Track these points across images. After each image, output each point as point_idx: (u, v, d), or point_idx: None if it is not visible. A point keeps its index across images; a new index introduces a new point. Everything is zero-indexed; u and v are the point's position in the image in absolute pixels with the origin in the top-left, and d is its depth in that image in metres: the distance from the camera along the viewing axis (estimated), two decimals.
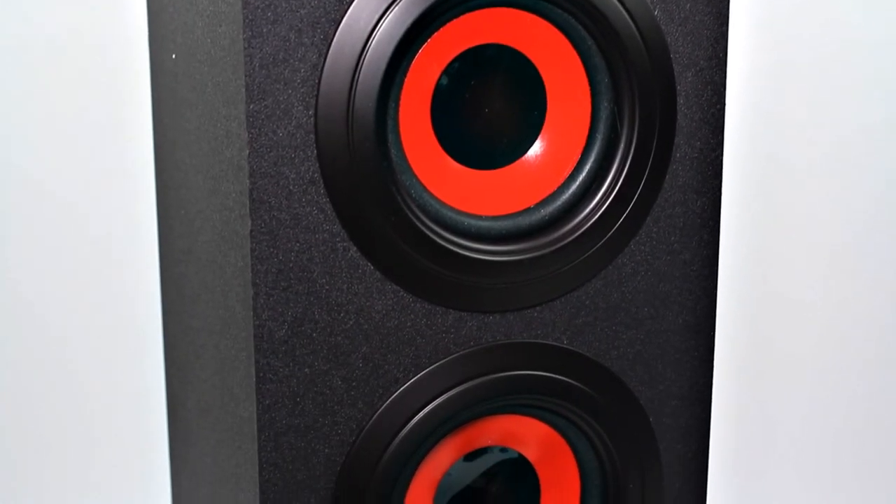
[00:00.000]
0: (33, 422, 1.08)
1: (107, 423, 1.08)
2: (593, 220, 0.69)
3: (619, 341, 0.72)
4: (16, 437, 1.08)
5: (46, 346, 1.05)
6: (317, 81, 0.61)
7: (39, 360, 1.05)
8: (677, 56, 0.69)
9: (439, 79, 0.65)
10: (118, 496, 1.13)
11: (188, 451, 0.86)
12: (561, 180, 0.69)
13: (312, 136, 0.62)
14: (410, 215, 0.64)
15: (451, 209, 0.66)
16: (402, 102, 0.64)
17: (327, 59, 0.61)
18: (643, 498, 0.74)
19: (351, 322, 0.65)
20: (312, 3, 0.60)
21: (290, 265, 0.63)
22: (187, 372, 0.84)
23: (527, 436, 0.72)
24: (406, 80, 0.64)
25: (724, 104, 0.71)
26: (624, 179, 0.69)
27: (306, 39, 0.61)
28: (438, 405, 0.67)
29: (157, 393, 1.04)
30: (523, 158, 0.68)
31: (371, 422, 0.66)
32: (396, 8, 0.61)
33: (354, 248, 0.64)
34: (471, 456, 0.71)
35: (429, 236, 0.65)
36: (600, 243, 0.69)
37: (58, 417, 1.08)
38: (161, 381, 1.02)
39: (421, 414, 0.67)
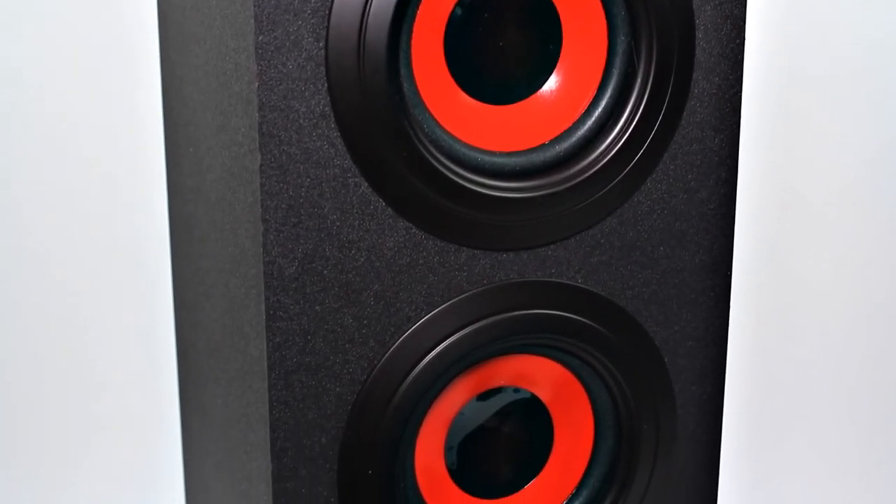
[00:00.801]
0: (42, 361, 1.07)
1: (116, 366, 1.08)
2: (609, 157, 0.67)
3: (634, 281, 0.71)
4: (23, 375, 1.08)
5: (53, 289, 1.04)
6: (327, 12, 0.60)
7: (45, 303, 1.04)
8: None
9: (453, 10, 0.63)
10: (128, 439, 1.13)
11: (198, 393, 0.85)
12: (576, 116, 0.68)
13: (323, 68, 0.61)
14: (423, 150, 0.63)
15: (465, 145, 0.65)
16: (414, 35, 0.63)
17: None
18: (657, 439, 0.73)
19: (362, 259, 0.64)
20: None
21: (301, 201, 0.62)
22: (197, 313, 0.83)
23: (540, 376, 0.71)
24: (419, 11, 0.62)
25: (744, 39, 0.70)
26: (640, 116, 0.67)
27: None
28: (451, 344, 0.66)
29: (167, 335, 1.04)
30: (538, 93, 0.67)
31: (382, 360, 0.66)
32: None
33: (366, 184, 0.63)
34: (483, 396, 0.71)
35: (441, 172, 0.63)
36: (616, 181, 0.68)
37: (66, 360, 1.08)
38: (171, 324, 1.01)
39: (433, 353, 0.66)
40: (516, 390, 0.71)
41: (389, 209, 0.64)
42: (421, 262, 0.65)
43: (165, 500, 1.21)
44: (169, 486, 1.19)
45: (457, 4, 0.63)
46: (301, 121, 0.61)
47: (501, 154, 0.66)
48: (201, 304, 0.80)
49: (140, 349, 1.07)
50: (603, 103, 0.67)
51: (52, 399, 1.09)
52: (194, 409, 0.87)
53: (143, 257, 1.03)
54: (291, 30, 0.60)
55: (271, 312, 0.63)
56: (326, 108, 0.61)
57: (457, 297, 0.66)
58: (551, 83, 0.67)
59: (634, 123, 0.67)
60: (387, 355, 0.66)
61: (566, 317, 0.69)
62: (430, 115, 0.64)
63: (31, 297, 1.04)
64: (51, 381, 1.08)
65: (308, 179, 0.62)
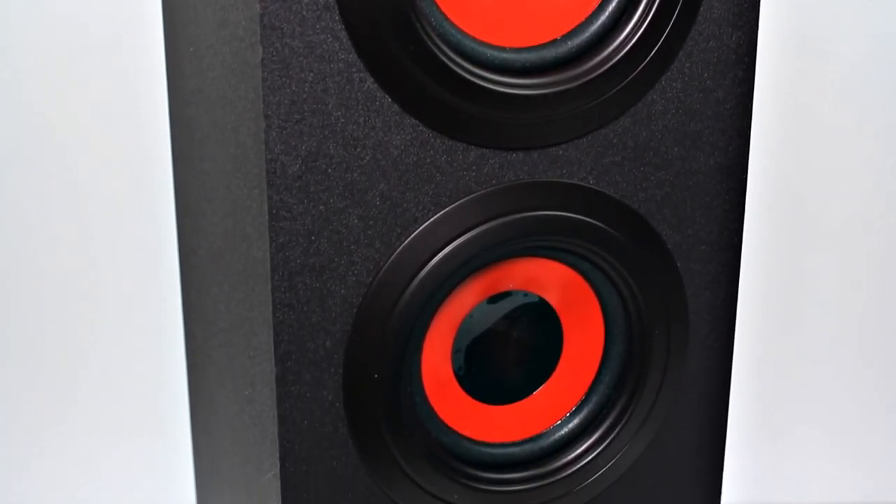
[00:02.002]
0: (43, 278, 1.06)
1: (118, 274, 1.07)
2: (622, 53, 0.65)
3: (647, 182, 0.69)
4: (25, 299, 1.07)
5: (52, 193, 1.02)
6: None
7: (45, 209, 1.03)
8: None
9: None
10: (130, 346, 1.12)
11: (202, 299, 0.84)
12: (589, 11, 0.65)
13: None
14: (430, 44, 0.61)
15: (473, 39, 0.63)
16: None
17: None
18: (669, 344, 0.72)
19: (368, 157, 0.62)
20: None
21: (304, 96, 0.60)
22: (199, 218, 0.81)
23: (550, 280, 0.70)
24: None
25: None
26: (655, 11, 0.65)
27: None
28: (459, 246, 0.65)
29: (170, 242, 1.02)
30: None
31: (389, 262, 0.64)
32: None
33: (371, 80, 0.61)
34: (492, 300, 0.69)
35: (449, 67, 0.61)
36: (629, 78, 0.66)
37: (67, 269, 1.07)
38: (173, 230, 1.00)
39: (440, 255, 0.65)
40: (526, 294, 0.70)
41: (396, 105, 0.62)
42: (428, 160, 0.63)
43: (168, 406, 1.20)
44: (172, 397, 1.19)
45: None
46: (304, 13, 0.59)
47: (511, 50, 0.64)
48: (203, 208, 0.79)
49: (142, 256, 1.05)
50: None
51: (50, 305, 1.08)
52: (197, 315, 0.86)
53: (143, 162, 1.01)
54: None
55: (274, 212, 0.62)
56: (330, 0, 0.59)
57: (465, 197, 0.65)
58: None
59: (649, 19, 0.65)
60: (393, 257, 0.64)
61: (577, 219, 0.67)
62: (438, 8, 0.62)
63: (31, 205, 1.02)
64: (50, 283, 1.07)
65: (311, 74, 0.60)
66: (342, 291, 0.64)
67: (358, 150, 0.62)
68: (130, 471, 1.30)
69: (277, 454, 0.66)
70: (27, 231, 1.04)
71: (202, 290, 0.82)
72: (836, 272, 1.24)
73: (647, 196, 0.69)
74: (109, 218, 1.04)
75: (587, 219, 0.67)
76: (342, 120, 0.61)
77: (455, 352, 0.69)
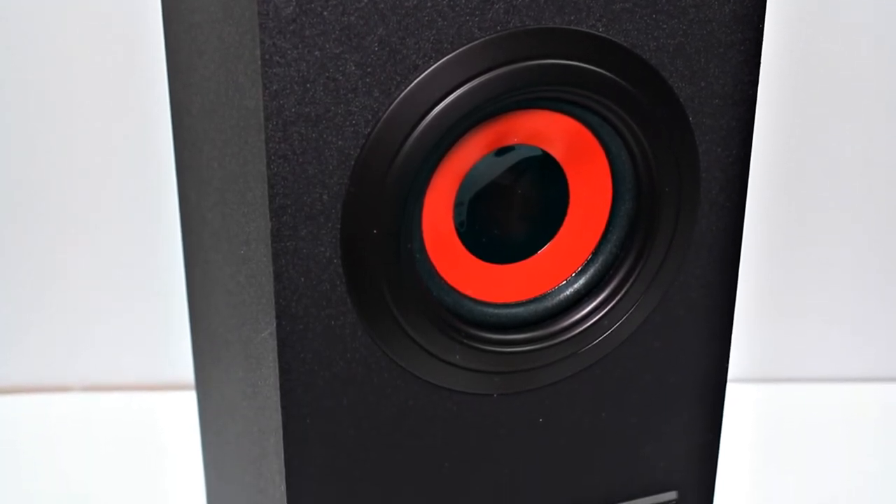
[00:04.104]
0: (36, 143, 1.04)
1: (109, 133, 1.04)
2: None
3: (658, 31, 0.65)
4: (19, 154, 1.05)
5: (47, 55, 1.00)
6: None
7: (46, 78, 1.00)
8: None
9: None
10: (126, 209, 1.11)
11: (194, 159, 0.81)
12: None
13: None
14: None
15: None
16: None
17: None
18: (679, 202, 0.69)
19: (365, 0, 0.59)
20: None
21: None
22: (189, 74, 0.78)
23: (556, 133, 0.67)
24: None
25: None
26: None
27: None
28: (461, 95, 0.62)
29: (161, 103, 0.99)
30: None
31: (388, 111, 0.61)
32: None
33: None
34: (496, 154, 0.66)
35: None
36: None
37: (64, 135, 1.04)
38: (164, 89, 0.97)
39: (442, 104, 0.62)
40: (531, 148, 0.67)
41: None
42: (429, 4, 0.60)
43: (163, 273, 1.19)
44: (168, 266, 1.17)
45: None
46: None
47: None
48: (194, 62, 0.75)
49: (132, 117, 1.03)
50: None
51: (45, 152, 1.06)
52: (191, 175, 0.83)
53: (131, 22, 0.98)
54: None
55: (267, 58, 0.59)
56: None
57: (468, 44, 0.61)
58: None
59: None
60: (392, 106, 0.61)
61: (585, 68, 0.64)
62: None
63: (32, 74, 1.00)
64: (43, 148, 1.05)
65: None
66: (339, 142, 0.61)
67: None
68: (128, 335, 1.30)
69: (273, 312, 0.64)
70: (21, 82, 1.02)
71: (195, 148, 0.79)
72: (856, 135, 1.22)
73: (658, 45, 0.66)
74: (100, 80, 1.01)
75: (596, 68, 0.64)
76: None
77: (458, 205, 0.66)
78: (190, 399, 1.20)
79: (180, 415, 1.32)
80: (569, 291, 0.70)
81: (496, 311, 0.69)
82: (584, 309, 0.70)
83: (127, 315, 1.35)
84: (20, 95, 1.05)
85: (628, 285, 0.70)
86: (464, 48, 0.61)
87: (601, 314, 0.70)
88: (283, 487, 0.68)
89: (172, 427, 1.33)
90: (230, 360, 0.78)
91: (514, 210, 0.68)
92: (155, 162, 1.09)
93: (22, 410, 1.37)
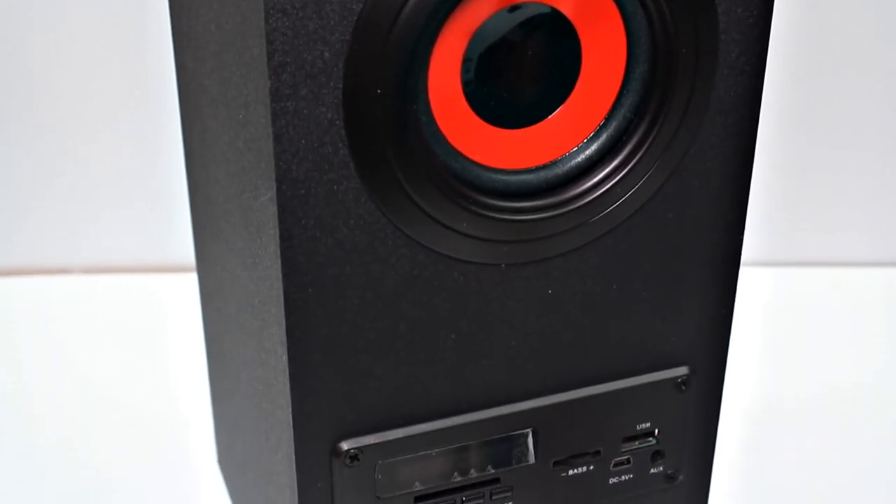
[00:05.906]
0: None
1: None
2: None
3: None
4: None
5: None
6: None
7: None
8: None
9: None
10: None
11: (191, 25, 0.78)
12: None
13: None
14: None
15: None
16: None
17: None
18: (696, 65, 0.66)
19: None
20: None
21: None
22: None
23: None
24: None
25: None
26: None
27: None
28: None
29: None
30: None
31: None
32: None
33: None
34: (508, 10, 0.63)
35: None
36: None
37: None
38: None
39: None
40: (542, 6, 0.64)
41: None
42: None
43: (163, 154, 1.17)
44: (167, 146, 1.15)
45: None
46: None
47: None
48: None
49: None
50: None
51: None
52: (188, 43, 0.80)
53: None
54: None
55: None
56: None
57: None
58: None
59: None
60: None
61: None
62: None
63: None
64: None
65: None
66: None
67: None
68: (127, 217, 1.28)
69: (273, 176, 0.61)
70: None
71: (191, 12, 0.76)
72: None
73: None
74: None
75: None
76: None
77: (466, 61, 0.63)
78: (191, 281, 1.19)
79: (181, 297, 1.31)
80: (580, 158, 0.68)
81: (504, 177, 0.66)
82: (595, 176, 0.68)
83: (126, 197, 1.34)
84: None
85: (642, 152, 0.68)
86: None
87: (613, 182, 0.68)
88: (285, 358, 0.66)
89: (173, 308, 1.32)
90: (230, 232, 0.76)
91: (525, 71, 0.65)
92: (152, 35, 1.07)
93: (22, 292, 1.35)
